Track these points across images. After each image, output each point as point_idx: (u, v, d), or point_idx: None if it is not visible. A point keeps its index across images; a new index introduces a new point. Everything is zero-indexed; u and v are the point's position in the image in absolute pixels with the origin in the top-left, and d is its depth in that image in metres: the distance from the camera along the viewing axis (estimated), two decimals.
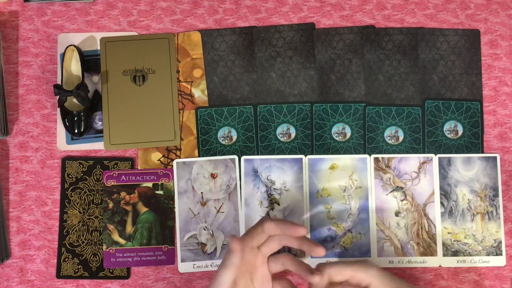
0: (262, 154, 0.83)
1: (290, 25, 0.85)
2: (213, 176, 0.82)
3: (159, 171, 0.82)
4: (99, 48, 0.84)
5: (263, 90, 0.84)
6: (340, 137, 0.83)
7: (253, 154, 0.83)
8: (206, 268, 0.80)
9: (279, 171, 0.82)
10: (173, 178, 0.82)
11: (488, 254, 0.81)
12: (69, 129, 0.80)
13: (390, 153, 0.83)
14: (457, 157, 0.82)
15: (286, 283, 0.69)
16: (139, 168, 0.82)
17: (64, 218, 0.81)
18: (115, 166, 0.82)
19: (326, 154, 0.82)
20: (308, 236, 0.80)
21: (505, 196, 0.83)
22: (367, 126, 0.83)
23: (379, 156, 0.82)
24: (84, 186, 0.82)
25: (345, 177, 0.82)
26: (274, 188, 0.81)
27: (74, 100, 0.81)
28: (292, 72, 0.84)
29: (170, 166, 0.82)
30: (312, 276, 0.65)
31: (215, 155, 0.82)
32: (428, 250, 0.81)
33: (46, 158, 0.82)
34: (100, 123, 0.83)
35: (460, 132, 0.83)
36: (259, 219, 0.69)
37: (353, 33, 0.85)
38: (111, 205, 0.81)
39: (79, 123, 0.80)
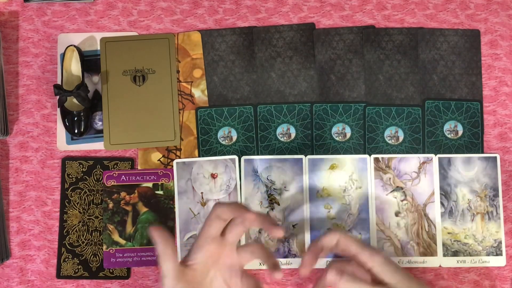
0: (262, 154, 0.83)
1: (290, 25, 0.85)
2: (213, 176, 0.82)
3: (159, 171, 0.82)
4: (99, 48, 0.84)
5: (263, 90, 0.84)
6: (340, 137, 0.83)
7: (253, 154, 0.83)
8: None
9: (279, 171, 0.82)
10: (173, 178, 0.82)
11: (488, 254, 0.81)
12: (69, 129, 0.80)
13: (390, 153, 0.83)
14: (457, 157, 0.82)
15: (253, 280, 0.67)
16: (139, 168, 0.82)
17: (64, 218, 0.81)
18: (115, 166, 0.82)
19: (326, 154, 0.82)
20: (308, 236, 0.81)
21: (505, 196, 0.83)
22: (367, 126, 0.83)
23: (379, 156, 0.82)
24: (84, 186, 0.82)
25: (345, 177, 0.82)
26: (274, 188, 0.81)
27: (74, 100, 0.81)
28: (292, 72, 0.84)
29: (170, 166, 0.82)
30: (276, 272, 0.64)
31: (215, 155, 0.82)
32: (428, 250, 0.81)
33: (46, 158, 0.82)
34: (100, 123, 0.83)
35: (460, 132, 0.83)
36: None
37: (353, 33, 0.85)
38: (111, 205, 0.81)
39: (79, 123, 0.80)
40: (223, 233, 0.67)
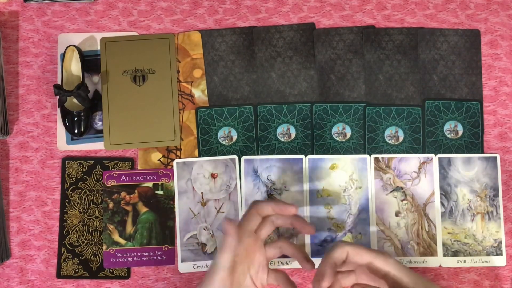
0: (262, 154, 0.83)
1: (290, 25, 0.85)
2: (213, 176, 0.82)
3: (159, 171, 0.82)
4: (99, 48, 0.84)
5: (263, 90, 0.84)
6: (340, 137, 0.83)
7: (253, 154, 0.83)
8: (206, 268, 0.80)
9: (279, 171, 0.82)
10: (173, 178, 0.82)
11: (488, 254, 0.81)
12: (69, 129, 0.80)
13: (390, 153, 0.83)
14: (457, 157, 0.82)
15: (281, 275, 0.69)
16: (139, 168, 0.82)
17: (64, 218, 0.81)
18: (115, 166, 0.82)
19: (326, 154, 0.82)
20: (308, 236, 0.80)
21: (505, 196, 0.83)
22: (367, 126, 0.83)
23: (379, 156, 0.82)
24: (84, 186, 0.82)
25: (345, 177, 0.82)
26: (274, 188, 0.81)
27: (74, 100, 0.81)
28: (292, 72, 0.84)
29: (170, 166, 0.82)
30: (307, 264, 0.67)
31: (215, 155, 0.82)
32: (428, 250, 0.81)
33: (46, 158, 0.82)
34: (100, 123, 0.83)
35: (460, 132, 0.83)
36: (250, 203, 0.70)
37: (353, 33, 0.85)
38: (111, 205, 0.81)
39: (79, 123, 0.80)
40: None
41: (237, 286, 0.65)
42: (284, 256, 0.80)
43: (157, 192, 0.82)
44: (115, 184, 0.81)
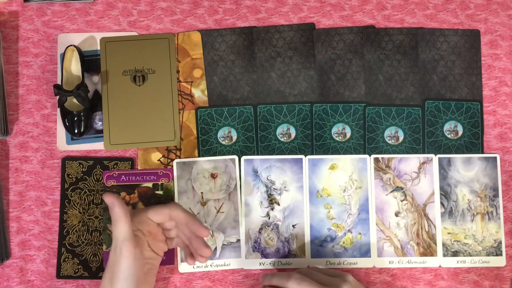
0: (262, 154, 0.83)
1: (290, 25, 0.85)
2: (213, 176, 0.82)
3: (159, 171, 0.82)
4: (99, 48, 0.84)
5: (263, 90, 0.84)
6: (340, 137, 0.83)
7: (253, 154, 0.83)
8: (206, 268, 0.80)
9: (279, 171, 0.82)
10: (173, 178, 0.82)
11: (488, 255, 0.81)
12: (69, 129, 0.80)
13: (390, 153, 0.83)
14: (457, 157, 0.82)
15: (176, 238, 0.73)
16: (139, 168, 0.82)
17: (64, 218, 0.81)
18: (115, 166, 0.82)
19: (326, 154, 0.82)
20: (308, 236, 0.81)
21: (505, 196, 0.83)
22: (367, 126, 0.83)
23: (379, 156, 0.82)
24: (84, 186, 0.82)
25: (345, 177, 0.82)
26: (274, 188, 0.81)
27: (74, 100, 0.81)
28: (292, 72, 0.84)
29: (170, 166, 0.82)
30: (204, 229, 0.70)
31: (215, 155, 0.82)
32: (428, 250, 0.81)
33: (46, 158, 0.82)
34: (100, 123, 0.83)
35: (460, 132, 0.83)
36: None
37: (353, 33, 0.85)
38: None
39: (79, 123, 0.80)
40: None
41: (143, 259, 0.68)
42: (284, 256, 0.80)
43: (157, 192, 0.82)
44: (115, 184, 0.81)
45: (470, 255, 0.81)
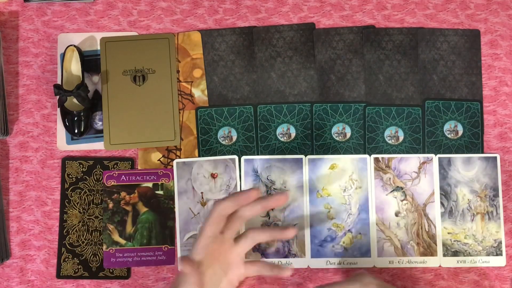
0: (262, 154, 0.83)
1: (290, 25, 0.85)
2: (213, 176, 0.82)
3: (159, 171, 0.82)
4: (99, 48, 0.84)
5: (263, 90, 0.84)
6: (340, 137, 0.83)
7: (253, 154, 0.83)
8: None
9: (279, 171, 0.82)
10: (173, 178, 0.82)
11: (488, 254, 0.81)
12: (69, 129, 0.80)
13: (390, 153, 0.83)
14: (457, 157, 0.82)
15: (259, 264, 0.71)
16: (139, 168, 0.82)
17: (64, 218, 0.81)
18: (115, 166, 0.82)
19: (326, 154, 0.82)
20: (308, 236, 0.80)
21: (505, 196, 0.83)
22: (367, 126, 0.83)
23: (379, 156, 0.82)
24: (84, 186, 0.82)
25: (345, 177, 0.82)
26: (274, 188, 0.81)
27: (74, 100, 0.81)
28: (292, 72, 0.84)
29: (170, 166, 0.82)
30: (283, 271, 0.69)
31: (215, 155, 0.82)
32: (428, 250, 0.81)
33: (46, 158, 0.82)
34: (100, 123, 0.83)
35: (460, 132, 0.83)
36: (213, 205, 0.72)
37: (353, 33, 0.85)
38: (111, 205, 0.81)
39: (79, 123, 0.80)
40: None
41: None
42: (284, 256, 0.80)
43: (157, 192, 0.82)
44: (115, 184, 0.81)
45: (470, 255, 0.81)
